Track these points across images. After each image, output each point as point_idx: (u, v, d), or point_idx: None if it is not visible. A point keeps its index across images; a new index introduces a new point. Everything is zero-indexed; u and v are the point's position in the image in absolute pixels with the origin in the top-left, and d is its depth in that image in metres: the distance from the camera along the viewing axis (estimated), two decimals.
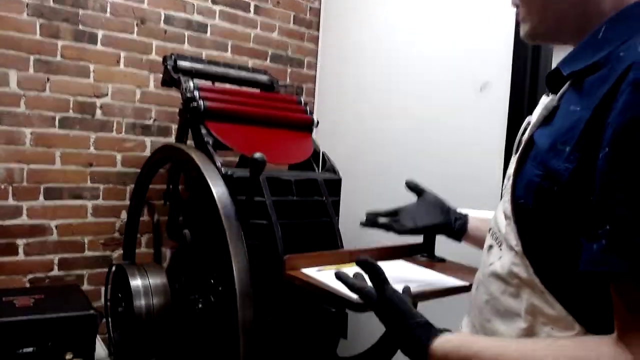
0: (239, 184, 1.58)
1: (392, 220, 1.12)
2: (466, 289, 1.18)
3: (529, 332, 0.64)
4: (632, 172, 0.51)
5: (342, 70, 2.69)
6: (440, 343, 0.68)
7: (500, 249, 0.71)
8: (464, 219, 1.07)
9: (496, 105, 1.86)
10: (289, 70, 2.79)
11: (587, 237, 0.55)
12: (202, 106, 1.78)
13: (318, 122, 2.15)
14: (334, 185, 1.83)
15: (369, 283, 0.83)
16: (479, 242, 0.99)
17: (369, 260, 0.81)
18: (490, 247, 0.75)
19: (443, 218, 1.07)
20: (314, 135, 2.11)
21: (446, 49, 2.10)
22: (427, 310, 1.58)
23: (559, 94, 0.66)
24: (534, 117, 0.71)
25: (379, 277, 0.80)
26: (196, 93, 1.82)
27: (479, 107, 1.94)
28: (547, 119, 0.66)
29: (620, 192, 0.52)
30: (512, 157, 0.75)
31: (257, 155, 1.38)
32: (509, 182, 0.70)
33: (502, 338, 0.68)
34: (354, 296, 1.14)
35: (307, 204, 1.71)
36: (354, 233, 1.99)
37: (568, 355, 0.55)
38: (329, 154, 2.08)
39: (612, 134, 0.53)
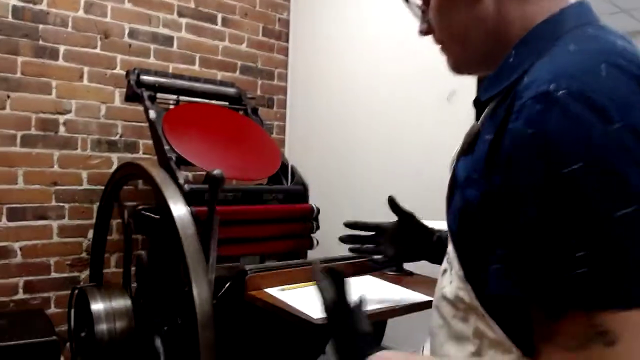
0: (203, 200, 1.54)
1: (374, 248, 1.09)
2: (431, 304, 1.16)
3: (477, 355, 0.63)
4: (519, 195, 0.51)
5: (312, 81, 2.67)
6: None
7: (451, 274, 0.70)
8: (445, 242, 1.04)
9: (463, 113, 1.84)
10: (259, 82, 2.76)
11: (490, 260, 0.55)
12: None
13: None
14: (302, 197, 1.80)
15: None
16: None
17: (336, 270, 0.80)
18: (445, 270, 0.74)
19: (425, 244, 1.03)
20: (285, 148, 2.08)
21: (414, 60, 2.09)
22: (395, 326, 1.55)
23: (480, 121, 0.65)
24: (461, 144, 0.70)
25: (342, 289, 0.79)
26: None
27: (446, 115, 1.94)
28: (470, 146, 0.65)
29: (510, 215, 0.52)
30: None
31: (216, 171, 1.34)
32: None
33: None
34: (315, 317, 1.12)
35: None
36: (327, 245, 1.97)
37: None
38: (300, 165, 2.04)
39: (501, 161, 0.54)
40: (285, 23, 2.84)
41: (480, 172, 0.58)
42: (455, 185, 0.66)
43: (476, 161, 0.60)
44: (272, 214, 1.75)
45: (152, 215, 1.57)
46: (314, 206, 1.84)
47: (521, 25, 0.62)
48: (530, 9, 0.62)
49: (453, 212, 0.65)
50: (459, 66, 0.72)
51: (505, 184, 0.53)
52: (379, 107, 2.26)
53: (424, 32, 0.74)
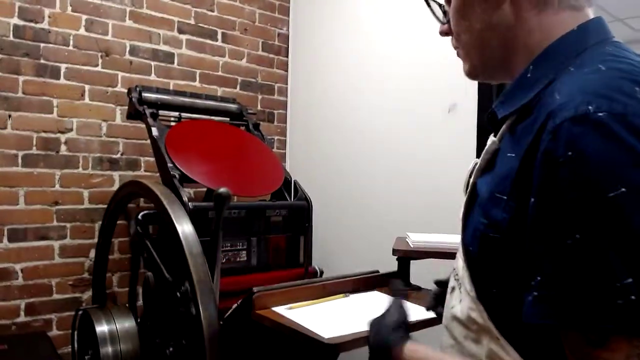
0: (208, 218, 1.53)
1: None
2: (438, 321, 1.14)
3: None
4: (557, 223, 0.50)
5: (312, 95, 2.67)
6: (408, 349, 0.69)
7: (460, 292, 0.69)
8: None
9: (465, 126, 1.84)
10: (259, 97, 2.76)
11: (524, 288, 0.54)
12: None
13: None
14: (305, 212, 1.79)
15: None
16: None
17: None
18: (453, 288, 0.72)
19: None
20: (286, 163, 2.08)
21: (415, 73, 2.09)
22: None
23: (498, 137, 0.64)
24: (480, 161, 0.68)
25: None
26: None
27: (448, 128, 1.93)
28: (489, 163, 0.64)
29: (550, 240, 0.50)
30: (464, 195, 0.72)
31: (222, 190, 1.33)
32: (461, 225, 0.68)
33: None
34: (325, 337, 1.10)
35: None
36: (325, 260, 1.96)
37: None
38: (301, 180, 2.04)
39: (536, 184, 0.52)
40: (285, 38, 2.84)
41: (507, 193, 0.57)
42: (474, 202, 0.64)
43: (500, 179, 0.59)
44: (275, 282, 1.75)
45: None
46: (317, 268, 1.86)
47: (540, 37, 0.62)
48: (549, 20, 0.62)
49: (473, 231, 0.63)
50: (474, 71, 0.71)
51: (542, 207, 0.51)
52: (380, 119, 2.25)
53: (444, 33, 0.73)
